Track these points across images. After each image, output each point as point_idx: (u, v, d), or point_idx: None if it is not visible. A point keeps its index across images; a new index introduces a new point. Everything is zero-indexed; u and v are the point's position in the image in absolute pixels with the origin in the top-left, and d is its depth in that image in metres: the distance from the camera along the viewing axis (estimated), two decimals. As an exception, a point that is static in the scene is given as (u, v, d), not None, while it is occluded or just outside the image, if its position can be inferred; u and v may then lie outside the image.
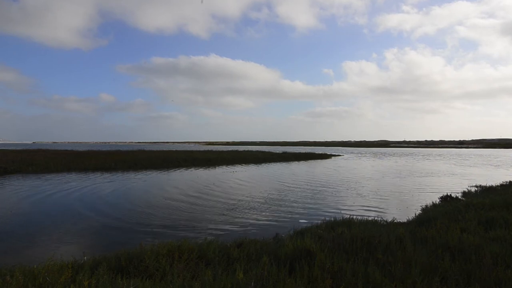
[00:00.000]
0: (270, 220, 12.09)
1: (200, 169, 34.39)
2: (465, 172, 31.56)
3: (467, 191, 17.26)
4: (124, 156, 42.04)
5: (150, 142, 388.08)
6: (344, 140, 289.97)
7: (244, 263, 5.58)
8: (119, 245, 8.47)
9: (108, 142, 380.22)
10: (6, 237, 9.79)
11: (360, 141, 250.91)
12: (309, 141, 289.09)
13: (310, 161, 50.45)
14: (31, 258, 7.66)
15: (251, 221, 11.96)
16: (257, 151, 67.49)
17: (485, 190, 16.93)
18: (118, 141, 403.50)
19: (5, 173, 27.10)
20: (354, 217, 10.36)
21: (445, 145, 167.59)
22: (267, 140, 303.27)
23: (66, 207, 14.32)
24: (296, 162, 47.55)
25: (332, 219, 10.06)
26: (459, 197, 14.81)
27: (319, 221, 10.22)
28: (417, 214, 11.16)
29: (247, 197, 17.08)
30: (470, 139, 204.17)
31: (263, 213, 13.21)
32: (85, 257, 6.11)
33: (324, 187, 21.12)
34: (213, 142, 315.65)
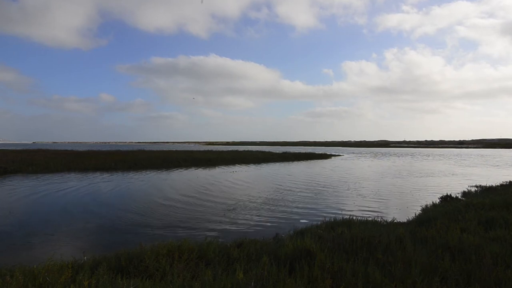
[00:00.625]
0: (270, 220, 12.09)
1: (200, 169, 34.39)
2: (465, 172, 31.56)
3: (467, 191, 17.26)
4: (124, 156, 42.03)
5: (150, 142, 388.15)
6: (344, 140, 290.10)
7: (244, 263, 5.58)
8: (119, 245, 8.47)
9: (108, 142, 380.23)
10: (5, 237, 9.78)
11: (360, 141, 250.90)
12: (309, 141, 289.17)
13: (310, 161, 50.45)
14: (31, 258, 7.66)
15: (251, 221, 11.95)
16: (257, 151, 67.50)
17: (485, 190, 16.93)
18: (118, 141, 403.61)
19: (5, 173, 27.09)
20: (354, 217, 10.36)
21: (445, 145, 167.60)
22: (267, 140, 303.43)
23: (66, 207, 14.31)
24: (296, 162, 47.55)
25: (332, 219, 10.06)
26: (459, 197, 14.81)
27: (319, 221, 10.22)
28: (417, 214, 11.16)
29: (247, 197, 17.08)
30: (470, 139, 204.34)
31: (263, 213, 13.21)
32: (85, 257, 6.11)
33: (324, 187, 21.12)
34: (213, 142, 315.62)
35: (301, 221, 11.80)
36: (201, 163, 40.70)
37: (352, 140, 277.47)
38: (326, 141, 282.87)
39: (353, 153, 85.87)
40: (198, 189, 19.76)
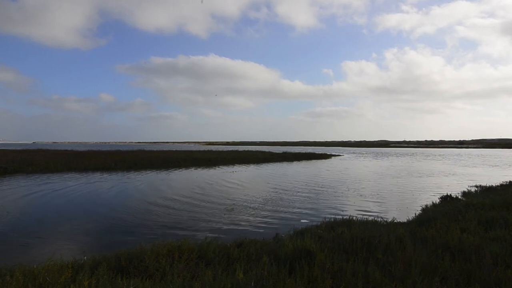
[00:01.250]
0: (270, 220, 12.09)
1: (200, 169, 34.38)
2: (465, 172, 31.56)
3: (467, 191, 17.26)
4: (124, 156, 42.03)
5: (150, 142, 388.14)
6: (344, 140, 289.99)
7: (244, 263, 5.58)
8: (119, 245, 8.47)
9: (108, 142, 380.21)
10: (5, 237, 9.78)
11: (360, 141, 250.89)
12: (309, 141, 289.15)
13: (310, 161, 50.45)
14: (31, 258, 7.66)
15: (251, 221, 11.96)
16: (257, 151, 67.50)
17: (485, 190, 16.92)
18: (118, 141, 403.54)
19: (5, 173, 27.09)
20: (354, 217, 10.36)
21: (445, 145, 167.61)
22: (267, 140, 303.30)
23: (66, 207, 14.32)
24: (296, 162, 47.55)
25: (332, 219, 10.07)
26: (459, 197, 14.81)
27: (319, 221, 10.22)
28: (417, 214, 11.16)
29: (247, 197, 17.08)
30: (470, 139, 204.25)
31: (263, 213, 13.21)
32: (85, 257, 6.11)
33: (324, 187, 21.12)
34: (213, 142, 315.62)
35: (302, 221, 11.80)
36: (201, 163, 40.70)
37: (352, 140, 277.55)
38: (326, 141, 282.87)
39: (353, 153, 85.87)
40: (198, 189, 19.75)
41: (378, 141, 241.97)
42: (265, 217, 12.63)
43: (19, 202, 15.37)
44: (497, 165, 41.30)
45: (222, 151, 62.14)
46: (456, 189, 19.12)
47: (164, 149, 75.74)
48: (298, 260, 5.43)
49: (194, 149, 79.13)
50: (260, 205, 14.81)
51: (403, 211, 13.53)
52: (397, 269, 5.03)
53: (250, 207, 14.34)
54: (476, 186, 19.64)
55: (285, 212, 13.45)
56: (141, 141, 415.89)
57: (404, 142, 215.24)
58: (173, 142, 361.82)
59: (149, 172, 30.36)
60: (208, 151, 62.63)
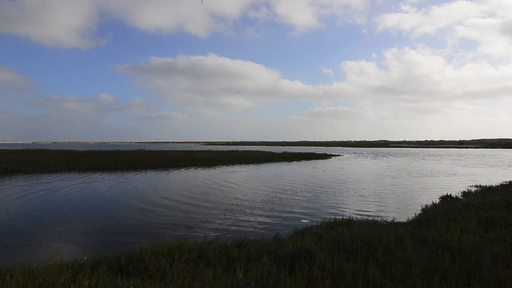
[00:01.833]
0: (270, 220, 12.09)
1: (200, 169, 34.39)
2: (465, 172, 31.56)
3: (467, 191, 17.25)
4: (124, 156, 42.04)
5: (150, 142, 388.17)
6: (344, 140, 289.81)
7: (244, 263, 5.58)
8: (119, 245, 8.48)
9: (108, 142, 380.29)
10: (4, 237, 9.78)
11: (360, 141, 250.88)
12: (309, 141, 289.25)
13: (310, 161, 50.46)
14: (31, 258, 7.66)
15: (251, 221, 11.95)
16: (257, 151, 67.51)
17: (485, 190, 16.92)
18: (118, 141, 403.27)
19: (5, 173, 27.10)
20: (354, 217, 10.37)
21: (445, 145, 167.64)
22: (267, 140, 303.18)
23: (66, 207, 14.32)
24: (296, 162, 47.55)
25: (332, 219, 10.07)
26: (459, 197, 14.81)
27: (319, 221, 10.23)
28: (417, 214, 11.16)
29: (247, 197, 17.08)
30: (470, 139, 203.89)
31: (263, 213, 13.21)
32: (85, 257, 6.11)
33: (324, 187, 21.13)
34: (213, 142, 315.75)
35: (302, 221, 11.80)
36: (201, 163, 40.70)
37: (352, 140, 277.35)
38: (326, 141, 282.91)
39: (353, 153, 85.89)
40: (197, 189, 19.76)
41: (378, 141, 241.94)
42: (265, 217, 12.63)
43: (20, 201, 15.36)
44: (497, 165, 41.30)
45: (222, 151, 62.16)
46: (456, 189, 19.12)
47: (164, 149, 75.76)
48: (298, 260, 5.43)
49: (194, 149, 79.16)
50: (260, 205, 14.81)
51: (403, 211, 13.53)
52: (397, 269, 5.03)
53: (250, 207, 14.34)
54: (476, 186, 19.64)
55: (285, 212, 13.46)
56: (141, 141, 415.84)
57: (404, 142, 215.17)
58: (173, 142, 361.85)
59: (149, 172, 30.36)
60: (208, 151, 62.66)
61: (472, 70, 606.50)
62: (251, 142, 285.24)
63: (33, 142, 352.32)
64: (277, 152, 64.71)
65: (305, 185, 22.02)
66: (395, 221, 10.13)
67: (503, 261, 5.43)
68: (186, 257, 5.68)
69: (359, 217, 10.72)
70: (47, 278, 4.48)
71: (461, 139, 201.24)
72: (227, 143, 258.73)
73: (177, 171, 31.87)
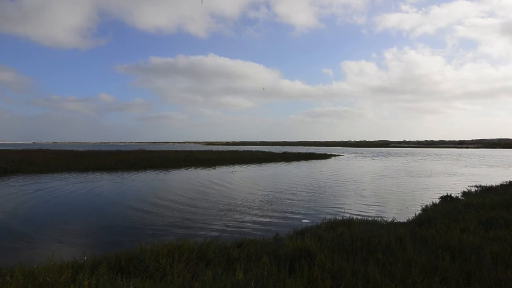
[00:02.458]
0: (270, 220, 12.09)
1: (200, 169, 34.39)
2: (465, 172, 31.56)
3: (467, 191, 17.26)
4: (124, 156, 42.04)
5: (150, 142, 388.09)
6: (344, 140, 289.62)
7: (244, 263, 5.58)
8: (119, 245, 8.48)
9: (108, 142, 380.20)
10: (4, 237, 9.78)
11: (360, 141, 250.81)
12: (309, 141, 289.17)
13: (310, 161, 50.46)
14: (31, 258, 7.65)
15: (251, 221, 11.96)
16: (257, 151, 67.51)
17: (485, 190, 16.93)
18: (118, 141, 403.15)
19: (5, 173, 27.10)
20: (354, 217, 10.37)
21: (445, 145, 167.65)
22: (267, 140, 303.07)
23: (65, 207, 14.32)
24: (296, 162, 47.55)
25: (332, 219, 10.07)
26: (459, 197, 14.82)
27: (319, 221, 10.23)
28: (417, 214, 11.16)
29: (247, 197, 17.08)
30: (470, 139, 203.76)
31: (263, 213, 13.21)
32: (85, 257, 6.11)
33: (324, 187, 21.13)
34: (213, 142, 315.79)
35: (303, 221, 11.80)
36: (201, 163, 40.70)
37: (352, 140, 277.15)
38: (326, 141, 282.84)
39: (353, 153, 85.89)
40: (197, 189, 19.76)
41: (378, 141, 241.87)
42: (265, 217, 12.63)
43: (20, 201, 15.36)
44: (497, 165, 41.31)
45: (222, 151, 62.17)
46: (456, 189, 19.12)
47: (164, 149, 75.75)
48: (298, 260, 5.43)
49: (194, 149, 79.15)
50: (260, 205, 14.81)
51: (403, 211, 13.53)
52: (397, 269, 5.03)
53: (250, 207, 14.34)
54: (476, 186, 19.64)
55: (285, 212, 13.46)
56: (141, 141, 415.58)
57: (404, 142, 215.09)
58: (173, 142, 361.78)
59: (149, 172, 30.35)
60: (208, 151, 62.65)
61: (472, 70, 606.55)
62: (251, 142, 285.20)
63: (33, 142, 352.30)
64: (277, 152, 64.69)
65: (305, 185, 22.02)
66: (395, 221, 10.13)
67: (503, 261, 5.43)
68: (186, 257, 5.68)
69: (359, 217, 10.72)
70: (47, 278, 4.48)
71: (461, 139, 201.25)
72: (227, 143, 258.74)
73: (177, 171, 31.87)
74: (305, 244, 6.10)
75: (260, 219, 12.30)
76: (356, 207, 14.56)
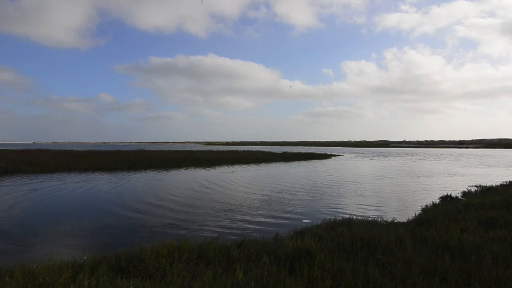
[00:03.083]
0: (270, 220, 12.09)
1: (200, 169, 34.39)
2: (465, 172, 31.56)
3: (467, 191, 17.26)
4: (124, 156, 42.04)
5: (150, 142, 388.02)
6: (344, 140, 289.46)
7: (244, 263, 5.58)
8: (119, 245, 8.48)
9: (108, 142, 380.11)
10: (4, 237, 9.78)
11: (360, 141, 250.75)
12: (309, 141, 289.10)
13: (310, 161, 50.45)
14: (31, 258, 7.65)
15: (251, 221, 11.95)
16: (257, 151, 67.50)
17: (485, 190, 16.92)
18: (118, 141, 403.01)
19: (5, 173, 27.10)
20: (354, 217, 10.37)
21: (445, 145, 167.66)
22: (267, 140, 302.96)
23: (65, 207, 14.32)
24: (296, 162, 47.55)
25: (332, 219, 10.07)
26: (459, 197, 14.81)
27: (319, 221, 10.22)
28: (417, 214, 11.16)
29: (247, 197, 17.08)
30: (470, 139, 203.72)
31: (263, 213, 13.21)
32: (85, 257, 6.11)
33: (324, 187, 21.12)
34: (213, 142, 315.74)
35: (304, 221, 11.80)
36: (201, 163, 40.70)
37: (352, 140, 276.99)
38: (326, 141, 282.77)
39: (353, 153, 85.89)
40: (197, 189, 19.76)
41: (378, 141, 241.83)
42: (265, 217, 12.63)
43: (19, 201, 15.36)
44: (497, 165, 41.31)
45: (222, 151, 62.15)
46: (456, 189, 19.12)
47: (164, 149, 75.74)
48: (298, 260, 5.43)
49: (194, 149, 79.14)
50: (260, 205, 14.81)
51: (403, 211, 13.53)
52: (397, 269, 5.03)
53: (250, 207, 14.34)
54: (476, 186, 19.64)
55: (285, 212, 13.46)
56: (141, 141, 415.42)
57: (404, 142, 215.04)
58: (173, 142, 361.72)
59: (148, 172, 30.36)
60: (208, 151, 62.63)
61: (472, 70, 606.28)
62: (251, 142, 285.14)
63: (33, 142, 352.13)
64: (277, 152, 64.69)
65: (305, 185, 22.02)
66: (395, 221, 10.13)
67: (503, 261, 5.43)
68: (186, 257, 5.68)
69: (359, 217, 10.73)
70: (47, 278, 4.48)
71: (461, 139, 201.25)
72: (227, 143, 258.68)
73: (177, 171, 31.86)
74: (305, 244, 6.10)
75: (260, 219, 12.30)
76: (356, 207, 14.56)
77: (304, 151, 71.81)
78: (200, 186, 21.12)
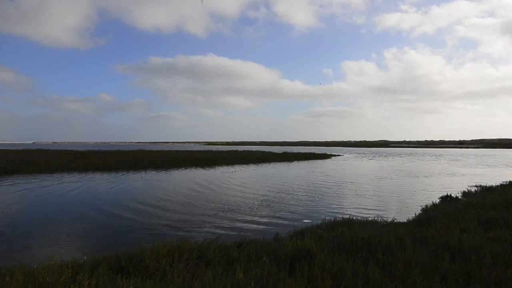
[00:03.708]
0: (270, 220, 12.09)
1: (200, 169, 34.39)
2: (465, 172, 31.56)
3: (467, 191, 17.25)
4: (124, 156, 42.04)
5: (150, 142, 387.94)
6: (344, 140, 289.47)
7: (244, 263, 5.58)
8: (119, 245, 8.47)
9: (108, 142, 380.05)
10: (4, 237, 9.78)
11: (360, 141, 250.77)
12: (309, 141, 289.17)
13: (310, 161, 50.45)
14: (31, 258, 7.65)
15: (251, 221, 11.95)
16: (257, 151, 67.50)
17: (485, 190, 16.92)
18: (118, 141, 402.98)
19: (5, 173, 27.09)
20: (354, 217, 10.37)
21: (445, 145, 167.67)
22: (267, 140, 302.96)
23: (65, 207, 14.32)
24: (296, 162, 47.54)
25: (332, 219, 10.07)
26: (459, 197, 14.81)
27: (319, 221, 10.23)
28: (417, 214, 11.16)
29: (247, 197, 17.08)
30: (470, 139, 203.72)
31: (263, 213, 13.21)
32: (85, 257, 6.11)
33: (324, 187, 21.13)
34: (213, 142, 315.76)
35: (304, 221, 11.80)
36: (201, 163, 40.70)
37: (352, 140, 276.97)
38: (326, 141, 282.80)
39: (353, 153, 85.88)
40: (197, 189, 19.76)
41: (378, 141, 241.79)
42: (265, 217, 12.63)
43: (19, 201, 15.36)
44: (497, 165, 41.31)
45: (221, 151, 62.15)
46: (456, 189, 19.12)
47: (164, 149, 75.73)
48: (298, 260, 5.43)
49: (194, 149, 79.14)
50: (260, 205, 14.81)
51: (403, 211, 13.53)
52: (397, 269, 5.03)
53: (250, 207, 14.34)
54: (476, 186, 19.64)
55: (285, 212, 13.45)
56: (141, 141, 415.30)
57: (404, 142, 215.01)
58: (173, 142, 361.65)
59: (148, 172, 30.36)
60: (208, 151, 62.62)
61: (472, 70, 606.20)
62: (251, 142, 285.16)
63: (33, 142, 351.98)
64: (277, 152, 64.68)
65: (305, 185, 22.01)
66: (395, 221, 10.14)
67: (503, 261, 5.43)
68: (186, 257, 5.68)
69: (359, 217, 10.73)
70: (47, 278, 4.48)
71: (461, 139, 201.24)
72: (227, 143, 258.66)
73: (177, 171, 31.86)
74: (305, 244, 6.10)
75: (260, 219, 12.30)
76: (356, 207, 14.55)
77: (304, 151, 71.79)
78: (200, 186, 21.11)
